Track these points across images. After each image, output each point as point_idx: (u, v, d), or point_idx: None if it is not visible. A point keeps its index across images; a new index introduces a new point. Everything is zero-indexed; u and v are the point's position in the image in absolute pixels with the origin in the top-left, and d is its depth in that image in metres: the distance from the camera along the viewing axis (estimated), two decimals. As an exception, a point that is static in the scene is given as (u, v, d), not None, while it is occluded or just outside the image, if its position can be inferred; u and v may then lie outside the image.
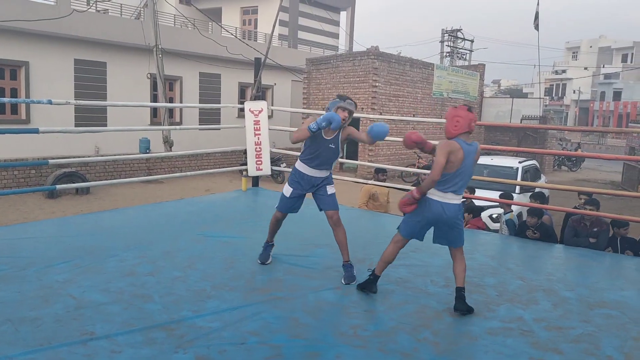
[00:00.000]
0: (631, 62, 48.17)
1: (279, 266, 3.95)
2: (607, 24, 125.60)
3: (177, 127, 12.70)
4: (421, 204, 3.26)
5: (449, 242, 3.35)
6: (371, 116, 10.96)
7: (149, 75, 15.82)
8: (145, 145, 14.17)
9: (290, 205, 3.94)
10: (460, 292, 3.24)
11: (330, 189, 3.84)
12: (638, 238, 5.67)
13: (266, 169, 6.86)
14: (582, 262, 4.83)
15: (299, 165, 3.87)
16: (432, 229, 3.40)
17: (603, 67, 49.34)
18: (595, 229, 5.51)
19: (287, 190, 3.90)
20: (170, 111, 16.62)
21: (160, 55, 14.29)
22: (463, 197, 6.41)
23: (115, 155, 12.42)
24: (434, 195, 3.24)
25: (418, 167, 7.30)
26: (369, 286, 3.44)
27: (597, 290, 3.87)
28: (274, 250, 4.08)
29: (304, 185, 3.84)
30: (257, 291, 3.43)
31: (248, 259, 4.08)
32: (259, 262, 3.95)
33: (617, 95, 44.36)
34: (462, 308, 3.18)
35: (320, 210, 3.90)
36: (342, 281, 3.65)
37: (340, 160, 7.36)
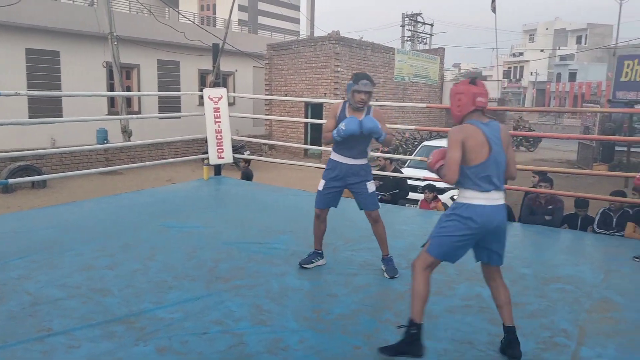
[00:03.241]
0: (585, 43, 49.54)
1: (241, 254, 3.93)
2: (561, 6, 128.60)
3: (136, 116, 12.42)
4: (460, 213, 2.53)
5: (493, 256, 2.61)
6: (334, 101, 10.93)
7: (104, 64, 15.40)
8: (102, 136, 13.82)
9: (325, 200, 3.68)
10: (513, 332, 2.57)
11: (370, 187, 3.65)
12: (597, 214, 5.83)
13: (228, 156, 6.80)
14: (538, 239, 4.98)
15: (333, 155, 3.69)
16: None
17: (559, 48, 50.59)
18: (550, 207, 5.67)
19: (320, 184, 3.70)
20: (128, 100, 16.24)
21: (115, 43, 13.89)
22: (424, 179, 6.55)
23: (71, 146, 12.06)
24: (476, 199, 2.51)
25: (382, 152, 7.37)
26: (413, 348, 2.46)
27: (552, 266, 4.00)
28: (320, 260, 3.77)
29: (337, 175, 3.62)
30: (220, 280, 3.40)
31: (210, 248, 4.05)
32: (301, 265, 3.69)
33: (572, 76, 45.60)
34: (518, 355, 2.50)
35: (361, 209, 3.73)
36: (385, 275, 3.56)
37: (303, 146, 7.36)
